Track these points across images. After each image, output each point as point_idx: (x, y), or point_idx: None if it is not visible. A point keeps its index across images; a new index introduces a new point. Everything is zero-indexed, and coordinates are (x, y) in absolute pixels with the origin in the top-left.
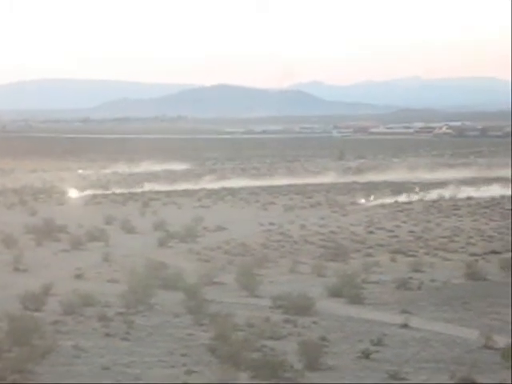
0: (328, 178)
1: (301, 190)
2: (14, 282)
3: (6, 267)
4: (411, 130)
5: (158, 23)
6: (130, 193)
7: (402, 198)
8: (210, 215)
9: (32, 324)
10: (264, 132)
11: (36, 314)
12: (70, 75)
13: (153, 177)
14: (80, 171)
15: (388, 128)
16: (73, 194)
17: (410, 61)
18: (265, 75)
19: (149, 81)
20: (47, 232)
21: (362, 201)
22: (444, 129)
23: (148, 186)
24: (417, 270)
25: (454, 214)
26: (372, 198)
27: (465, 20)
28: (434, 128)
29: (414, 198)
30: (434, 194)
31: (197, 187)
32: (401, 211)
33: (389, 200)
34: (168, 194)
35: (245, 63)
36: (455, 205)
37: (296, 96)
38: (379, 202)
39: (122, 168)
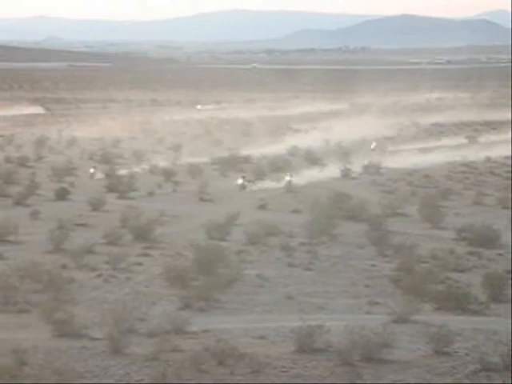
0: None
1: (485, 121)
2: (199, 211)
3: (192, 197)
4: None
5: None
6: (311, 127)
7: None
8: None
9: (217, 253)
10: (449, 62)
11: (221, 243)
12: (252, 6)
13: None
14: (268, 103)
15: None
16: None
17: None
18: (449, 4)
19: (332, 11)
20: (231, 162)
21: None
22: None
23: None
24: None
25: None
26: None
27: None
28: None
29: None
30: None
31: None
32: None
33: None
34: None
35: None
36: None
37: (481, 25)
38: None
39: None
